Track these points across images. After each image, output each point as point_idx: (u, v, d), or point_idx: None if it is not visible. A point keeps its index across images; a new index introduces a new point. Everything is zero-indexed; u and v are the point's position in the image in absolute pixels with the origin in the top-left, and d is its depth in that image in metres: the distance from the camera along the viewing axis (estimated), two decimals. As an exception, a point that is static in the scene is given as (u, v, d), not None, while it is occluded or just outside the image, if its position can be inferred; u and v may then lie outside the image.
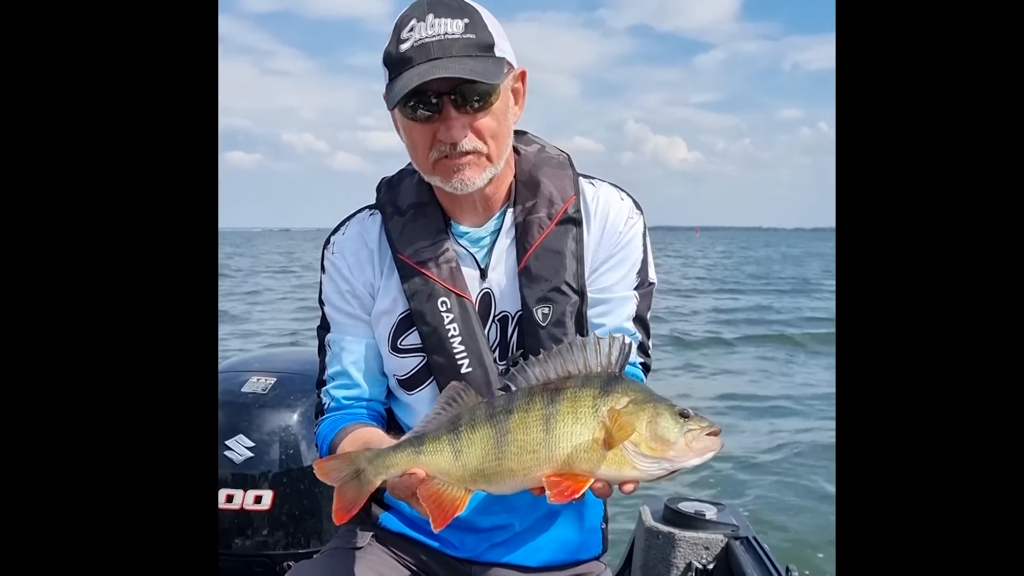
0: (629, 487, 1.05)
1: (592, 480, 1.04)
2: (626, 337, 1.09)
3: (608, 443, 1.03)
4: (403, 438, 1.13)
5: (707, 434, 1.03)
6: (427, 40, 1.20)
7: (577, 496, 1.02)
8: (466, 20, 1.23)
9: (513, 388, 1.10)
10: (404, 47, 1.22)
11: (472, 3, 1.27)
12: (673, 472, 1.04)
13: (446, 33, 1.21)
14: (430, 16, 1.22)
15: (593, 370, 1.07)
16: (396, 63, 1.23)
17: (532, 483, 1.07)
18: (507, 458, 1.06)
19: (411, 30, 1.22)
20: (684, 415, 1.04)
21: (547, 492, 1.03)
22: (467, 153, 1.25)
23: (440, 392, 1.32)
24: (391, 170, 1.49)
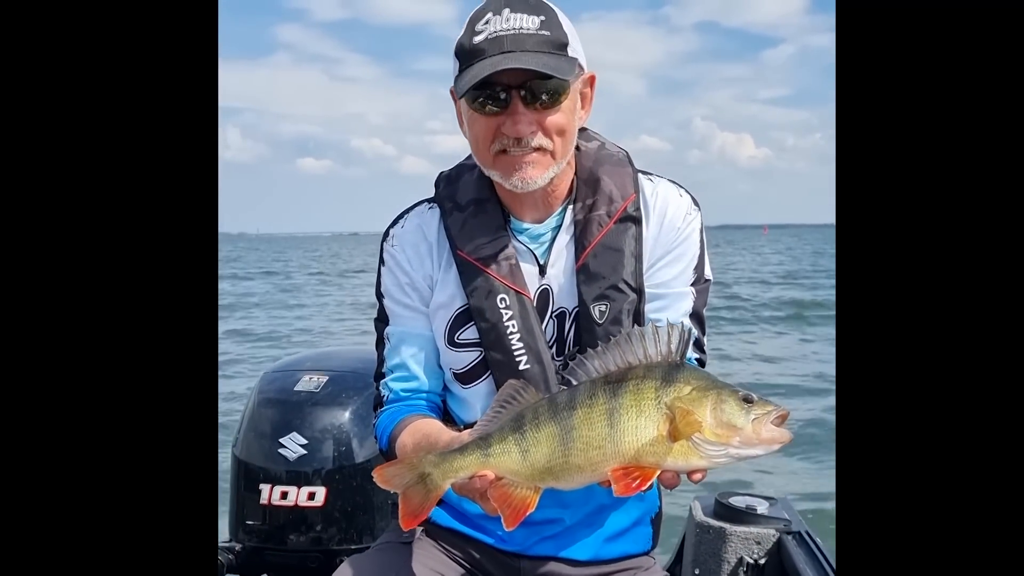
0: (698, 476, 1.04)
1: (659, 471, 1.03)
2: (684, 324, 1.06)
3: (674, 436, 1.01)
4: (466, 439, 1.13)
5: (774, 419, 1.00)
6: (501, 33, 1.22)
7: (644, 488, 1.02)
8: (542, 17, 1.24)
9: (574, 382, 1.09)
10: (477, 39, 1.23)
11: (548, 2, 1.27)
12: (741, 460, 1.02)
13: (521, 28, 1.22)
14: (506, 10, 1.23)
15: (653, 359, 1.05)
16: (468, 54, 1.24)
17: (599, 478, 1.07)
18: (573, 455, 1.05)
19: (486, 23, 1.23)
20: (748, 400, 1.01)
21: (613, 486, 1.02)
22: (533, 150, 1.26)
23: (496, 387, 1.33)
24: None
